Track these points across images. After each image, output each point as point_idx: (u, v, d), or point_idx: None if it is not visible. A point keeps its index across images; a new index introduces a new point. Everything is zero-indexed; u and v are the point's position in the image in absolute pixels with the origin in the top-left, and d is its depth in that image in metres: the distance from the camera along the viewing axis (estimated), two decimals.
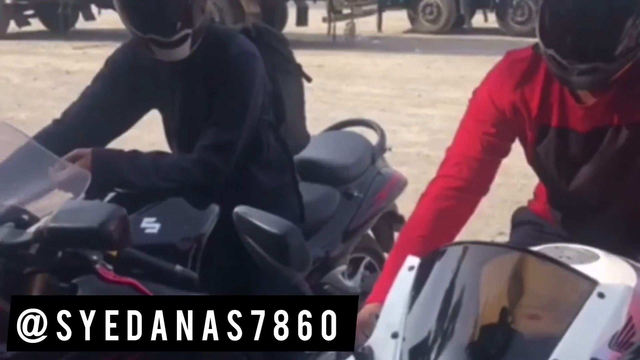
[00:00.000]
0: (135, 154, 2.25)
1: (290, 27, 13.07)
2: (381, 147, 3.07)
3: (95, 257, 1.81)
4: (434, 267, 1.37)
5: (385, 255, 3.17)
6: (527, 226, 2.12)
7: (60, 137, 2.33)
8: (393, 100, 8.37)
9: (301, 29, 13.06)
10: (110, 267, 1.84)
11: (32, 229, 1.69)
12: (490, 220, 4.91)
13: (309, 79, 2.69)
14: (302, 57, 9.82)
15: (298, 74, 2.67)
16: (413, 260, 1.42)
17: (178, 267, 1.94)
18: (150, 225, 2.13)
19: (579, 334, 1.22)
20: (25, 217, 1.76)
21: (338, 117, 7.64)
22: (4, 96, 8.58)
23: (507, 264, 1.38)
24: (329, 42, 12.07)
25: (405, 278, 1.39)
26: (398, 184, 3.03)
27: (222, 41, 2.34)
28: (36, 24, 14.53)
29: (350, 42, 12.16)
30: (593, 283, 1.28)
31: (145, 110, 2.50)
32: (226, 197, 2.35)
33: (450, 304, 1.31)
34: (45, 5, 14.15)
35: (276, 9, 13.11)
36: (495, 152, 1.94)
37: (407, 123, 7.30)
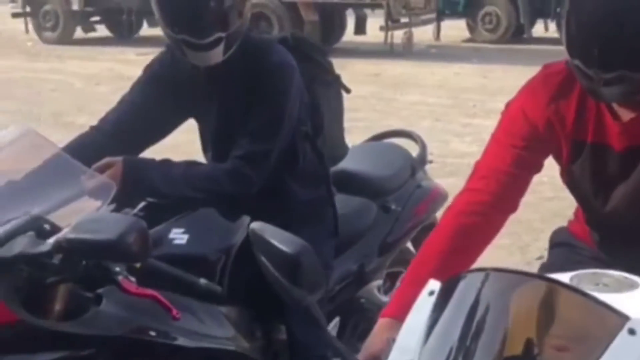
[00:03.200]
0: (166, 163, 2.24)
1: (349, 35, 13.07)
2: (422, 160, 3.01)
3: (117, 269, 1.80)
4: (454, 293, 1.31)
5: None
6: (564, 248, 2.03)
7: (95, 144, 2.33)
8: (447, 109, 8.28)
9: (359, 38, 13.04)
10: (132, 278, 1.83)
11: (53, 239, 1.68)
12: (539, 234, 4.79)
13: (347, 90, 2.65)
14: (358, 65, 9.89)
15: (337, 85, 2.63)
16: (434, 285, 1.35)
17: (202, 281, 1.93)
18: (179, 236, 2.11)
19: None
20: (47, 226, 1.75)
21: (391, 126, 7.59)
22: (66, 100, 8.75)
23: (531, 293, 1.30)
24: (386, 51, 12.02)
25: (424, 303, 1.33)
26: (438, 197, 2.96)
27: (259, 50, 2.31)
28: (102, 30, 14.82)
29: (407, 51, 12.08)
30: (623, 318, 1.20)
31: (182, 119, 2.49)
32: (259, 208, 2.33)
33: (469, 333, 1.25)
34: (110, 12, 14.42)
35: (335, 17, 13.11)
36: (526, 167, 1.85)
37: (460, 133, 7.20)
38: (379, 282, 2.75)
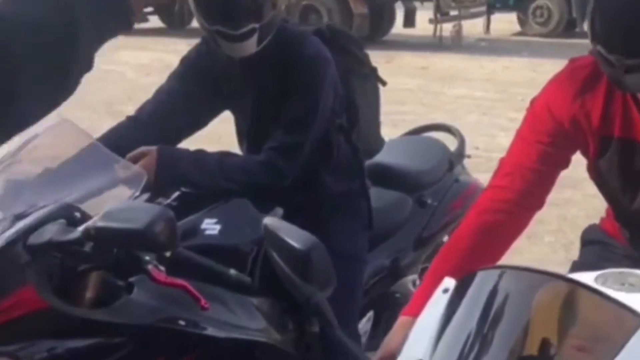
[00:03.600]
0: (200, 153, 2.25)
1: (398, 28, 13.00)
2: (460, 154, 2.98)
3: (147, 258, 1.81)
4: (468, 291, 1.30)
5: None
6: (595, 246, 2.00)
7: (132, 133, 2.36)
8: (495, 103, 8.19)
9: (408, 31, 12.96)
10: (162, 268, 1.85)
11: (82, 227, 1.70)
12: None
13: (383, 83, 2.63)
14: (406, 58, 9.82)
15: (373, 78, 2.62)
16: (449, 283, 1.34)
17: (232, 271, 1.93)
18: (211, 226, 2.12)
19: None
20: (78, 214, 1.77)
21: (436, 119, 7.57)
22: (117, 90, 8.87)
23: (548, 291, 1.28)
24: (434, 44, 11.93)
25: (438, 301, 1.31)
26: (476, 192, 2.91)
27: (294, 42, 2.31)
28: (154, 21, 14.98)
29: (456, 44, 11.98)
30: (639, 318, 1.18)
31: (219, 110, 2.50)
32: (292, 200, 2.34)
33: (482, 331, 1.23)
34: (163, 3, 14.55)
35: (384, 10, 13.05)
36: (552, 163, 1.82)
37: (507, 127, 7.10)
38: (414, 276, 2.74)
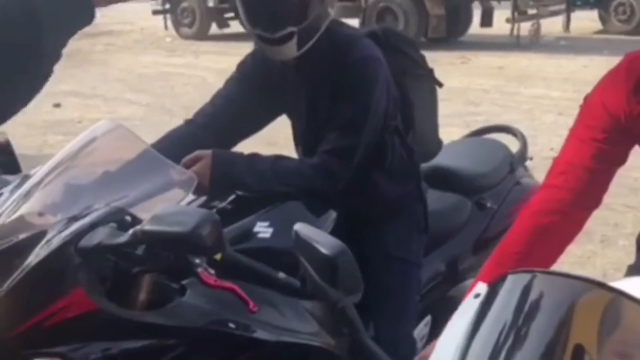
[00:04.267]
0: (254, 157, 2.27)
1: (475, 28, 12.85)
2: (522, 156, 2.93)
3: (197, 261, 1.84)
4: (497, 296, 1.27)
5: None
6: None
7: (189, 137, 2.40)
8: (572, 103, 7.92)
9: (485, 30, 12.80)
10: (212, 271, 1.87)
11: (131, 231, 1.74)
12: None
13: (440, 84, 2.60)
14: (483, 58, 9.69)
15: (430, 79, 2.60)
16: (481, 288, 1.31)
17: (281, 274, 1.94)
18: (264, 229, 2.14)
19: None
20: (128, 218, 1.81)
21: (511, 120, 7.47)
22: (197, 94, 8.97)
23: (584, 298, 1.25)
24: (512, 44, 11.75)
25: (468, 307, 1.29)
26: None
27: (346, 44, 2.31)
28: (235, 26, 15.20)
29: (534, 43, 11.77)
30: None
31: (274, 114, 2.52)
32: (346, 204, 2.34)
33: (510, 338, 1.20)
34: None
35: (461, 10, 12.92)
36: (607, 160, 1.77)
37: None
38: (473, 281, 2.70)
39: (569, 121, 6.75)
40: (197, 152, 2.20)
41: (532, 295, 1.24)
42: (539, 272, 1.25)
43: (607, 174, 1.79)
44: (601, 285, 1.23)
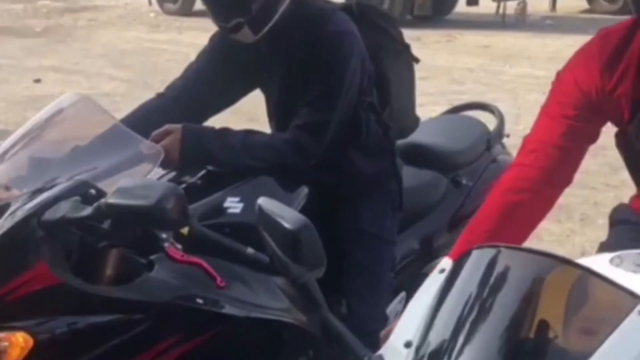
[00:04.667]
0: (225, 131, 2.24)
1: (461, 6, 12.78)
2: (499, 133, 2.90)
3: (164, 235, 1.82)
4: (462, 270, 1.26)
5: None
6: (625, 226, 1.92)
7: (160, 110, 2.36)
8: None
9: (471, 9, 12.74)
10: (179, 246, 1.85)
11: (95, 204, 1.71)
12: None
13: (416, 60, 2.57)
14: (469, 37, 9.63)
15: (407, 55, 2.57)
16: (446, 263, 1.30)
17: (250, 250, 1.92)
18: (234, 204, 2.11)
19: (612, 352, 1.08)
20: (93, 191, 1.79)
21: (495, 99, 7.43)
22: (179, 70, 8.81)
23: (543, 273, 1.24)
24: (498, 22, 11.68)
25: (433, 282, 1.28)
26: None
27: (319, 18, 2.28)
28: None
29: (520, 23, 11.70)
30: (636, 299, 1.13)
31: (247, 89, 2.49)
32: (320, 180, 2.32)
33: (474, 312, 1.19)
34: None
35: None
36: (578, 138, 1.75)
37: None
38: None
39: None
40: (166, 126, 2.17)
41: (497, 270, 1.23)
42: (504, 247, 1.24)
43: (578, 152, 1.77)
44: (566, 262, 1.22)
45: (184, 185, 2.15)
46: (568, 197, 4.88)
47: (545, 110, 1.80)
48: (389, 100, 2.47)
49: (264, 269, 2.00)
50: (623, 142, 1.79)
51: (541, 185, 1.73)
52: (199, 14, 14.15)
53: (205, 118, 2.41)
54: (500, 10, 11.71)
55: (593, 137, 1.78)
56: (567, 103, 1.74)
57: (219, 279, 1.87)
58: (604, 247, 1.91)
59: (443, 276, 1.27)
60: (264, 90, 2.47)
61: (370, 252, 2.39)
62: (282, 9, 2.23)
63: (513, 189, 1.74)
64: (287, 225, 1.38)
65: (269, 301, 2.06)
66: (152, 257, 1.92)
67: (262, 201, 1.45)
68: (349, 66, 2.23)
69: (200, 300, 1.91)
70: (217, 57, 2.39)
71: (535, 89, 7.79)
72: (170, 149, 2.10)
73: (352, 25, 2.29)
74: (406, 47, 2.54)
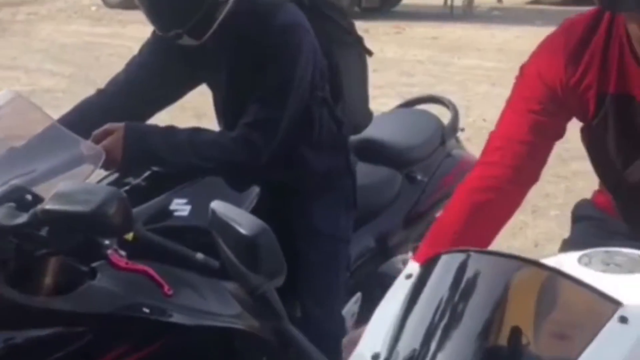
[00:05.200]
0: (171, 129, 2.13)
1: None
2: (453, 127, 2.84)
3: (107, 242, 1.72)
4: (431, 276, 1.18)
5: None
6: (587, 222, 1.88)
7: (101, 107, 2.24)
8: (505, 74, 7.98)
9: (419, 1, 12.75)
10: (123, 252, 1.75)
11: (32, 210, 1.60)
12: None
13: (369, 53, 2.49)
14: (417, 29, 9.63)
15: (359, 47, 2.48)
16: (412, 268, 1.23)
17: (199, 255, 1.83)
18: (181, 207, 2.02)
19: None
20: (29, 197, 1.67)
21: (444, 90, 7.41)
22: (123, 65, 8.68)
23: (519, 276, 1.17)
24: (445, 14, 11.72)
25: (399, 288, 1.20)
26: (468, 167, 2.79)
27: (268, 11, 2.18)
28: None
29: (467, 14, 11.76)
30: (615, 305, 1.07)
31: (193, 84, 2.37)
32: (271, 178, 2.23)
33: (444, 319, 1.12)
34: None
35: None
36: (544, 133, 1.68)
37: None
38: (403, 256, 2.62)
39: (503, 92, 6.69)
40: (107, 125, 2.06)
41: (467, 275, 1.16)
42: (473, 252, 1.17)
43: (545, 148, 1.71)
44: (537, 265, 1.16)
45: (127, 187, 2.05)
46: None
47: (510, 105, 1.73)
48: (341, 95, 2.39)
49: (215, 274, 1.91)
50: (588, 138, 1.73)
51: (508, 184, 1.67)
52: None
53: (149, 115, 2.30)
54: (449, 2, 11.74)
55: (559, 132, 1.73)
56: (532, 97, 1.68)
57: (166, 287, 1.77)
58: (567, 244, 1.86)
59: (410, 282, 1.20)
60: (211, 86, 2.37)
61: (324, 252, 2.31)
62: (222, 16, 2.13)
63: (479, 188, 1.67)
64: (243, 230, 1.29)
65: (219, 307, 1.98)
66: (94, 264, 1.81)
67: (216, 205, 1.36)
68: (299, 60, 2.14)
69: (146, 310, 1.81)
70: (162, 51, 2.28)
71: (485, 80, 7.80)
72: (112, 149, 1.99)
73: (302, 17, 2.20)
74: (358, 40, 2.46)
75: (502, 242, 3.78)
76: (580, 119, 1.73)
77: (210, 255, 1.85)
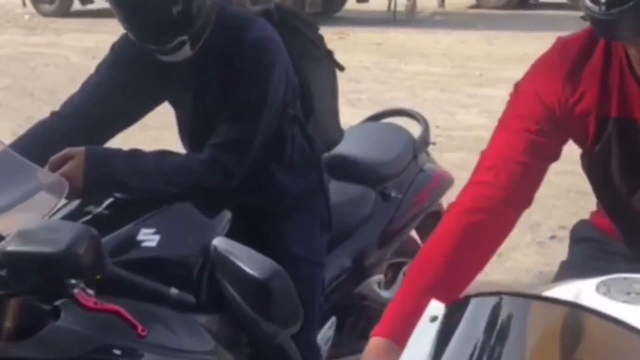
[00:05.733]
0: (135, 153, 1.99)
1: (351, 3, 12.74)
2: (424, 141, 2.75)
3: (73, 281, 1.56)
4: (461, 321, 1.07)
5: None
6: (587, 244, 1.79)
7: (58, 131, 2.09)
8: (453, 79, 8.00)
9: (362, 6, 12.72)
10: (91, 291, 1.59)
11: None
12: (552, 211, 4.55)
13: (341, 68, 2.38)
14: (361, 34, 9.58)
15: (329, 62, 2.37)
16: (436, 309, 1.11)
17: (173, 290, 1.68)
18: (149, 237, 1.87)
19: None
20: None
21: (394, 97, 7.34)
22: (61, 75, 8.47)
23: (552, 318, 1.07)
24: (388, 19, 11.70)
25: (425, 331, 1.09)
26: (442, 182, 2.71)
27: (238, 26, 2.06)
28: (99, 2, 14.46)
29: (410, 19, 11.76)
30: None
31: (155, 103, 2.23)
32: (241, 201, 2.09)
33: None
34: None
35: None
36: (541, 154, 1.60)
37: (466, 104, 6.92)
38: (379, 276, 2.51)
39: (451, 97, 6.72)
40: (66, 150, 1.90)
41: (501, 319, 1.05)
42: (506, 295, 1.06)
43: (540, 170, 1.63)
44: (579, 307, 1.06)
45: (88, 217, 1.90)
46: None
47: (503, 124, 1.64)
48: (312, 112, 2.27)
49: (188, 310, 1.77)
50: (589, 163, 1.66)
51: (502, 205, 1.58)
52: (77, 14, 13.61)
53: (108, 138, 2.15)
54: (392, 7, 11.73)
55: (555, 154, 1.65)
56: (529, 116, 1.60)
57: (139, 327, 1.62)
58: (565, 267, 1.79)
59: (436, 325, 1.08)
60: (175, 105, 2.23)
61: (298, 276, 2.16)
62: (213, 17, 2.02)
63: (472, 209, 1.57)
64: (253, 272, 1.14)
65: (192, 344, 1.84)
66: (58, 302, 1.65)
67: (219, 243, 1.21)
68: (272, 77, 2.02)
69: (117, 352, 1.66)
70: (122, 68, 2.13)
71: (433, 86, 7.77)
72: (72, 176, 1.84)
73: (274, 32, 2.08)
74: (328, 54, 2.34)
75: None
76: (578, 142, 1.65)
77: (182, 288, 1.71)
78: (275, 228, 2.19)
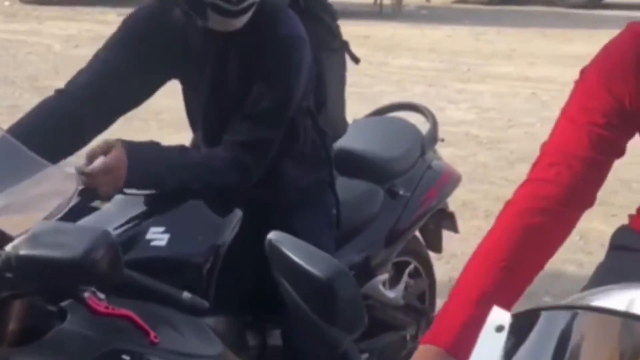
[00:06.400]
0: (163, 148, 1.91)
1: None
2: (432, 137, 2.67)
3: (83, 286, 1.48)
4: (530, 334, 1.01)
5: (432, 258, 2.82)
6: (625, 252, 1.69)
7: (62, 111, 1.98)
8: (440, 74, 7.95)
9: None
10: (102, 295, 1.52)
11: (4, 255, 1.36)
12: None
13: (357, 60, 2.32)
14: (347, 27, 9.45)
15: (342, 53, 2.29)
16: (501, 317, 1.03)
17: (186, 294, 1.60)
18: (158, 236, 1.79)
19: None
20: None
21: (382, 91, 7.28)
22: (43, 64, 8.34)
23: (632, 336, 1.00)
24: (375, 13, 11.63)
25: (491, 341, 1.01)
26: (451, 180, 2.64)
27: (269, 17, 1.97)
28: None
29: (397, 13, 11.70)
30: None
31: (164, 80, 2.12)
32: (251, 197, 2.02)
33: None
34: None
35: None
36: (608, 150, 1.50)
37: (455, 100, 6.88)
38: (384, 276, 2.44)
39: (440, 92, 6.66)
40: (103, 143, 1.83)
41: (575, 335, 0.98)
42: (580, 309, 0.99)
43: (605, 167, 1.52)
44: None
45: (95, 213, 1.82)
46: (469, 193, 4.78)
47: (566, 115, 1.53)
48: (325, 104, 2.20)
49: (201, 314, 1.70)
50: None
51: (563, 206, 1.47)
52: (59, 1, 13.41)
53: (113, 120, 2.06)
54: (378, 0, 11.66)
55: (622, 150, 1.54)
56: (595, 109, 1.49)
57: (152, 333, 1.55)
58: (603, 270, 1.70)
59: (502, 336, 1.01)
60: (187, 87, 2.13)
61: None
62: None
63: (530, 210, 1.46)
64: (315, 271, 1.04)
65: (201, 348, 1.77)
66: (64, 303, 1.58)
67: (275, 237, 1.10)
68: (299, 76, 1.95)
69: (126, 357, 1.58)
70: (133, 45, 2.02)
71: (421, 80, 7.72)
72: (116, 168, 1.78)
73: (301, 25, 2.00)
74: (344, 44, 2.27)
75: (457, 247, 3.66)
76: None
77: (191, 288, 1.64)
78: (281, 225, 2.11)
